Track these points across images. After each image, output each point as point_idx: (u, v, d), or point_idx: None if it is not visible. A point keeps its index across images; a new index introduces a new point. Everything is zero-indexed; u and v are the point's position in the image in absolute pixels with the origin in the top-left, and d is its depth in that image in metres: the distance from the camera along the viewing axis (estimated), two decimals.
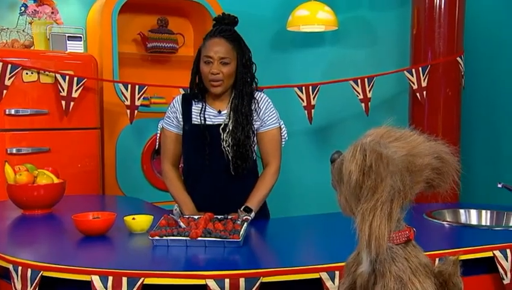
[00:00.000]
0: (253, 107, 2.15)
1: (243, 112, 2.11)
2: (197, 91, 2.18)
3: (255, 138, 2.17)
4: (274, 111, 2.21)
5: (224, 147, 2.12)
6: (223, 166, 2.13)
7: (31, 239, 1.94)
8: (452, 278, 1.22)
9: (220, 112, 2.15)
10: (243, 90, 2.13)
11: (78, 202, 2.56)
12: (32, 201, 2.26)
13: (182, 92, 3.40)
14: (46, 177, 2.31)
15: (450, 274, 1.21)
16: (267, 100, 2.21)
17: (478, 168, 4.02)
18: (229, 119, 2.13)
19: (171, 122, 2.21)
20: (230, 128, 2.11)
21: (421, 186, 1.20)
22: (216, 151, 2.13)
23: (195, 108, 2.17)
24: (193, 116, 2.16)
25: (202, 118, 2.14)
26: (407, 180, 1.14)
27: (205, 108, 2.15)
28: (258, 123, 2.17)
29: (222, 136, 2.12)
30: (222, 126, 2.13)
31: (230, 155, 2.11)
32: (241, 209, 1.99)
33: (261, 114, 2.17)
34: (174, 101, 2.23)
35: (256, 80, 2.20)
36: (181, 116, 2.18)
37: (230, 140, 2.11)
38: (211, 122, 2.15)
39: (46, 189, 2.28)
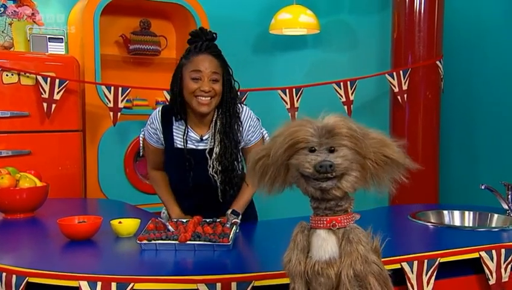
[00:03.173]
0: (235, 127, 2.05)
1: (230, 136, 2.01)
2: (178, 111, 2.04)
3: (241, 154, 2.10)
4: (257, 124, 2.13)
5: (211, 173, 2.03)
6: (208, 190, 2.06)
7: (15, 244, 1.90)
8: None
9: (202, 138, 2.05)
10: (229, 109, 2.02)
11: (61, 206, 2.52)
12: (15, 205, 2.22)
13: (165, 94, 3.39)
14: (28, 181, 2.28)
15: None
16: (249, 116, 2.10)
17: (456, 169, 4.09)
18: (214, 142, 2.03)
19: (152, 137, 2.12)
20: (217, 152, 2.02)
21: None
22: (201, 175, 2.05)
23: (176, 129, 2.06)
24: (175, 137, 2.06)
25: (185, 142, 2.04)
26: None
27: (187, 132, 2.04)
28: (243, 143, 2.10)
29: (209, 163, 2.03)
30: (208, 150, 2.04)
31: (218, 181, 2.04)
32: (229, 212, 1.99)
33: (244, 134, 2.08)
34: (153, 116, 2.10)
35: (237, 90, 2.10)
36: (162, 135, 2.08)
37: (217, 165, 2.02)
38: (194, 147, 2.05)
39: (29, 192, 2.24)
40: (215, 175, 2.03)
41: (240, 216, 2.03)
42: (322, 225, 1.18)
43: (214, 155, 2.02)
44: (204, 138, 2.05)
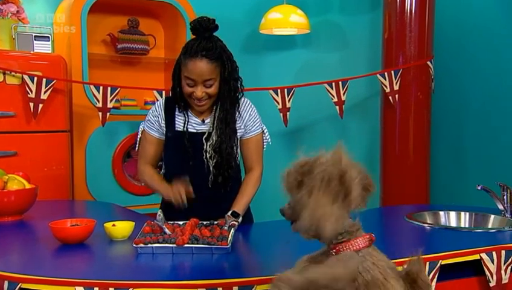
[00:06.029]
0: (236, 114, 2.11)
1: (228, 122, 2.06)
2: (178, 101, 2.10)
3: (238, 145, 2.13)
4: (257, 117, 2.17)
5: (206, 157, 2.07)
6: (204, 175, 2.08)
7: (4, 248, 1.84)
8: (420, 275, 1.23)
9: (203, 121, 2.11)
10: (226, 102, 2.06)
11: (48, 208, 2.46)
12: (3, 208, 2.15)
13: (155, 93, 3.34)
14: (17, 183, 2.21)
15: (417, 272, 1.23)
16: (250, 106, 2.16)
17: (446, 169, 4.10)
18: (213, 128, 2.07)
19: (153, 126, 2.15)
20: (214, 139, 2.06)
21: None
22: (198, 160, 2.07)
23: (178, 116, 2.11)
24: (176, 122, 2.10)
25: (185, 128, 2.08)
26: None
27: (188, 119, 2.09)
28: (242, 130, 2.13)
29: (205, 147, 2.07)
30: (205, 135, 2.08)
31: (211, 166, 2.07)
32: (229, 214, 1.95)
33: (244, 122, 2.13)
34: (156, 105, 2.16)
35: (241, 84, 2.11)
36: (163, 122, 2.12)
37: (212, 152, 2.06)
38: (194, 131, 2.09)
39: (17, 195, 2.17)
40: (210, 161, 2.06)
41: (240, 218, 1.99)
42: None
43: (211, 141, 2.06)
44: (206, 121, 2.09)
